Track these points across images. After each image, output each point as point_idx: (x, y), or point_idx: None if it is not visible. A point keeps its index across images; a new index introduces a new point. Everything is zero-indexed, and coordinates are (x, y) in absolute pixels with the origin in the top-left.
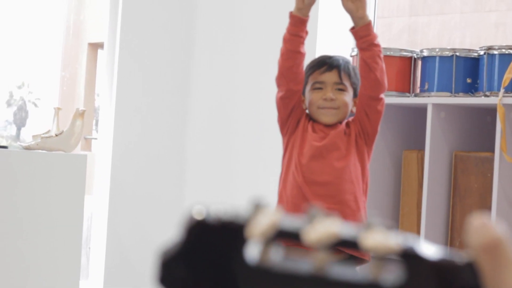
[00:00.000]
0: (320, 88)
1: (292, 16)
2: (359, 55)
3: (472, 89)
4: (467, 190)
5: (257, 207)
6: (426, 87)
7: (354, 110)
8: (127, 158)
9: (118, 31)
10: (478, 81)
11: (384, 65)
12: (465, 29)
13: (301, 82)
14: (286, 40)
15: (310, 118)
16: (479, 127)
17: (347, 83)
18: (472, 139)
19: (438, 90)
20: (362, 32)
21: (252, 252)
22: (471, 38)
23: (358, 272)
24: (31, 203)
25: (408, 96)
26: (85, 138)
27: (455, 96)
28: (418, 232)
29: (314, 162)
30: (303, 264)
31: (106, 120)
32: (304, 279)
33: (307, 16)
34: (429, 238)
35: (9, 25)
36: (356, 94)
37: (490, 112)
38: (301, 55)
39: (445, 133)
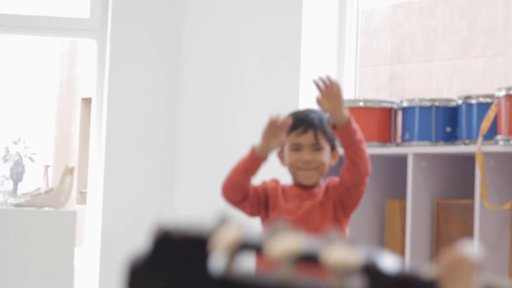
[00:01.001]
0: (298, 149)
1: (252, 152)
2: (343, 151)
3: (451, 137)
4: (450, 237)
5: (222, 221)
6: (407, 136)
7: (333, 163)
8: (117, 211)
9: (105, 87)
10: (457, 130)
11: (367, 155)
12: (452, 75)
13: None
14: (239, 170)
15: (279, 185)
16: (459, 175)
17: (323, 141)
18: (453, 187)
19: (418, 140)
20: (344, 131)
21: (217, 264)
22: (458, 85)
23: (321, 285)
24: (21, 261)
25: (389, 146)
26: (80, 192)
27: (435, 145)
28: None
29: None
30: (267, 277)
31: (96, 173)
32: None
33: (266, 158)
34: None
35: (5, 82)
36: (334, 147)
37: (470, 159)
38: (247, 188)
39: (427, 181)
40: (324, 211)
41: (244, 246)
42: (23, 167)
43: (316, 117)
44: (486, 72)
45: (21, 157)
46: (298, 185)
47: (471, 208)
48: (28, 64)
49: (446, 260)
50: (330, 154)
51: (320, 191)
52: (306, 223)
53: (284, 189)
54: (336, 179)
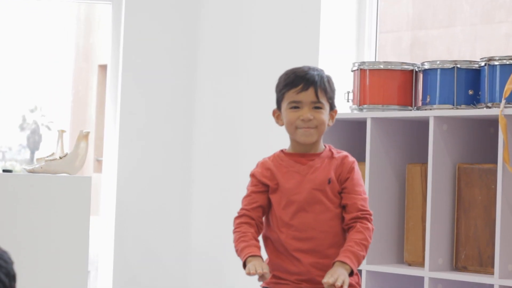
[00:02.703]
0: (297, 107)
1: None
2: None
3: (474, 100)
4: (471, 202)
5: None
6: (428, 100)
7: (330, 123)
8: (132, 179)
9: (120, 53)
10: (480, 93)
11: (370, 242)
12: (475, 41)
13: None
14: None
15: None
16: (482, 139)
17: (323, 100)
18: (476, 151)
19: (440, 103)
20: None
21: None
22: (481, 51)
23: None
24: (36, 226)
25: (410, 110)
26: (98, 160)
27: (457, 108)
28: (424, 246)
29: (297, 219)
30: None
31: (111, 141)
32: None
33: None
34: (434, 251)
35: (20, 50)
36: (332, 107)
37: (492, 123)
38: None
39: (448, 145)
40: (333, 189)
41: None
42: (40, 135)
43: (316, 74)
44: (510, 37)
45: (38, 126)
46: (295, 153)
47: (493, 172)
48: (43, 31)
49: None
50: (328, 114)
51: (322, 160)
52: (313, 204)
53: (280, 164)
54: (352, 168)
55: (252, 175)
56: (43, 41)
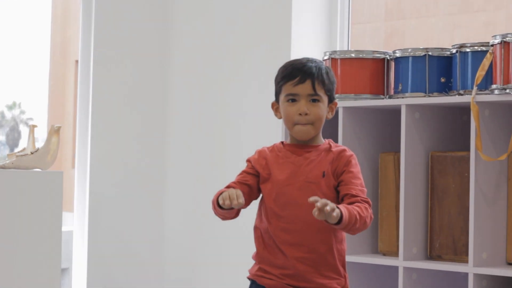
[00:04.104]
0: (294, 100)
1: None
2: None
3: (446, 88)
4: (445, 190)
5: None
6: (400, 88)
7: (330, 116)
8: (105, 173)
9: (91, 47)
10: (451, 80)
11: (366, 224)
12: (454, 30)
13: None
14: (218, 214)
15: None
16: (454, 126)
17: (321, 92)
18: (448, 139)
19: (412, 91)
20: (340, 227)
21: None
22: (460, 40)
23: None
24: (8, 222)
25: (382, 98)
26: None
27: (429, 96)
28: (397, 235)
29: (287, 210)
30: None
31: (83, 136)
32: None
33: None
34: (409, 240)
35: None
36: (331, 99)
37: (465, 110)
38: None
39: (421, 134)
40: (328, 183)
41: None
42: (19, 132)
43: (314, 66)
44: (488, 26)
45: (17, 123)
46: (293, 144)
47: (466, 160)
48: (19, 26)
49: None
50: (327, 107)
51: (319, 153)
52: (305, 196)
53: (277, 155)
54: (349, 161)
55: (248, 160)
56: (18, 36)
